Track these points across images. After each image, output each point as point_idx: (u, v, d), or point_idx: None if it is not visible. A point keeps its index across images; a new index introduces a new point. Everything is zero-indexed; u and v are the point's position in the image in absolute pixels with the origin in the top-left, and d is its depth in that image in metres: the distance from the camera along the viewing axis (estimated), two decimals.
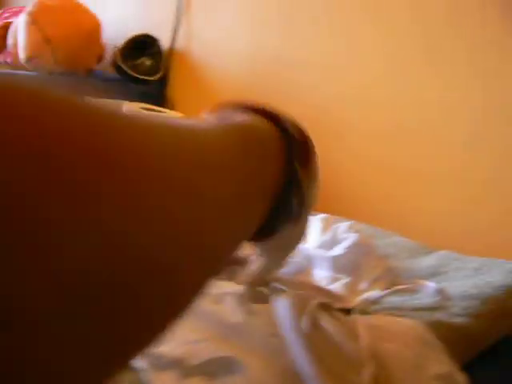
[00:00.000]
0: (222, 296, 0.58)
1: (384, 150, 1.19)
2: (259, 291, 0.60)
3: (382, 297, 0.73)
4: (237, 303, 0.57)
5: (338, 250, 0.77)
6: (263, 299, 0.58)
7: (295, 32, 1.39)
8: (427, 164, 1.14)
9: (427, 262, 0.87)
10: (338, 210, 1.17)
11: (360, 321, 0.62)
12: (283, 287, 0.62)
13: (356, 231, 0.82)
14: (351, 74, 1.26)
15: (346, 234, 0.81)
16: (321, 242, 0.81)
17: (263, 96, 1.45)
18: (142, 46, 1.70)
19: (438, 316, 0.67)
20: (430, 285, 0.76)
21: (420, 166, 1.14)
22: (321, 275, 0.75)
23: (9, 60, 1.63)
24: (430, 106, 1.12)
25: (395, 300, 0.72)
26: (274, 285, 0.62)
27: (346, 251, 0.77)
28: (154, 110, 1.43)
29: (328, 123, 1.28)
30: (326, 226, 0.87)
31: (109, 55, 1.72)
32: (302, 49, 1.37)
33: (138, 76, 1.64)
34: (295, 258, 0.78)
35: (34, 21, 1.46)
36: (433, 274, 0.84)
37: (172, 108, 1.68)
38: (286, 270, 0.73)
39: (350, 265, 0.77)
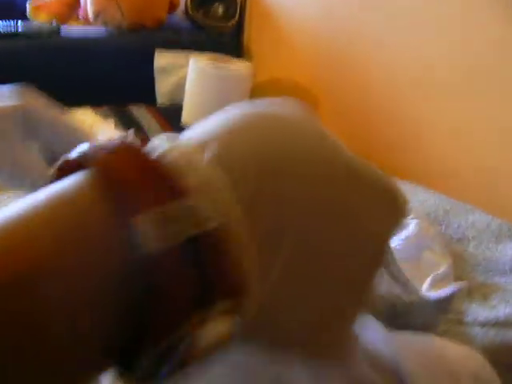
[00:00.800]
0: None
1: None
2: None
3: (444, 301, 0.60)
4: None
5: (393, 242, 0.65)
6: None
7: None
8: None
9: None
10: (413, 175, 1.02)
11: (402, 342, 0.50)
12: None
13: (416, 217, 0.68)
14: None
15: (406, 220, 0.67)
16: None
17: (340, 40, 1.30)
18: None
19: (510, 335, 0.54)
20: (508, 287, 0.62)
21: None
22: None
23: (81, 16, 1.59)
24: None
25: (459, 307, 0.59)
26: None
27: (402, 244, 0.64)
28: (223, 64, 1.33)
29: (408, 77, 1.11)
30: None
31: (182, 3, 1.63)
32: None
33: (210, 24, 1.54)
34: None
35: None
36: None
37: (248, 57, 1.57)
38: None
39: (407, 260, 0.64)
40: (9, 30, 1.33)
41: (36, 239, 0.20)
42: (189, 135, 0.25)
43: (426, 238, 0.64)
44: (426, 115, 1.10)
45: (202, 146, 0.23)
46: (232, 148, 0.23)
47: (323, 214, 0.26)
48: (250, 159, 0.23)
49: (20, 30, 1.33)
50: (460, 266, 0.68)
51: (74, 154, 0.23)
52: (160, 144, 0.23)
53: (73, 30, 1.47)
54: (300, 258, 0.25)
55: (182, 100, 1.39)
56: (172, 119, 1.36)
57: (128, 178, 0.20)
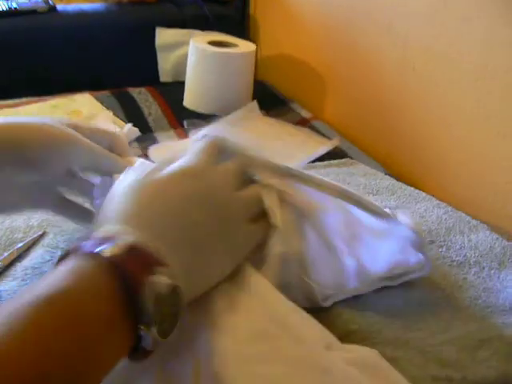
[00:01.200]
0: None
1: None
2: None
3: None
4: None
5: None
6: None
7: None
8: None
9: None
10: (422, 163, 0.97)
11: None
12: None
13: None
14: None
15: None
16: None
17: (351, 19, 1.22)
18: None
19: None
20: (504, 333, 0.58)
21: None
22: None
23: None
24: None
25: (451, 357, 0.56)
26: None
27: None
28: (224, 44, 1.27)
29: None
30: None
31: None
32: None
33: None
34: None
35: None
36: None
37: (255, 31, 1.49)
38: None
39: None
40: (3, 8, 1.28)
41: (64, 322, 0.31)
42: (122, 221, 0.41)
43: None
44: (439, 100, 1.04)
45: (131, 233, 0.39)
46: (146, 232, 0.40)
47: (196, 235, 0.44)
48: (157, 236, 0.40)
49: (14, 7, 1.28)
50: (459, 298, 0.65)
51: (76, 246, 0.37)
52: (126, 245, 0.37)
53: (70, 7, 1.42)
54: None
55: (185, 77, 1.34)
56: (175, 99, 1.32)
57: (117, 271, 0.35)
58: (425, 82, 1.05)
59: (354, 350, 0.49)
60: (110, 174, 0.56)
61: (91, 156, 0.54)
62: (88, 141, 0.54)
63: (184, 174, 0.47)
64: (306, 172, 0.58)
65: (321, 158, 1.06)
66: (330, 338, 0.48)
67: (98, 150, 0.54)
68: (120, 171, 0.54)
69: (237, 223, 0.49)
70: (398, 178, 0.98)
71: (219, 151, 0.53)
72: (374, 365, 0.47)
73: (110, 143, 0.58)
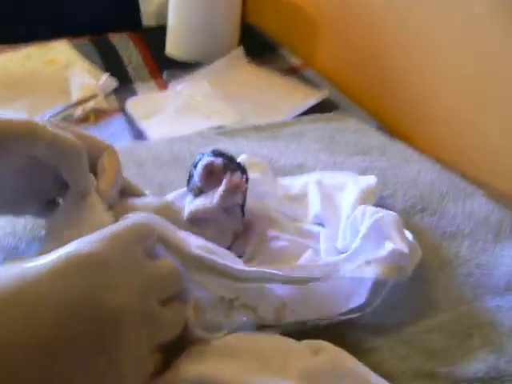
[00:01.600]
0: None
1: None
2: None
3: None
4: None
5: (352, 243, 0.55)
6: None
7: None
8: None
9: None
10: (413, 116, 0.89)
11: None
12: None
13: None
14: None
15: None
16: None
17: None
18: None
19: None
20: (496, 320, 0.53)
21: None
22: None
23: None
24: None
25: (434, 346, 0.51)
26: None
27: (361, 245, 0.54)
28: None
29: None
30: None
31: None
32: None
33: None
34: None
35: None
36: None
37: None
38: None
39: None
40: None
41: None
42: None
43: (384, 227, 0.55)
44: (434, 51, 0.95)
45: None
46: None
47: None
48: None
49: None
50: (449, 275, 0.60)
51: None
52: None
53: None
54: None
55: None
56: (157, 46, 1.23)
57: None
58: (420, 30, 0.96)
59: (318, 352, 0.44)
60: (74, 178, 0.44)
61: (54, 143, 0.41)
62: (56, 132, 0.42)
63: (60, 269, 0.32)
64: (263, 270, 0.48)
65: (309, 111, 0.99)
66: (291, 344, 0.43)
67: (65, 141, 0.42)
68: (80, 177, 0.44)
69: (131, 357, 0.34)
70: (391, 134, 0.91)
71: (144, 242, 0.38)
72: (340, 370, 0.43)
73: (99, 155, 0.47)
